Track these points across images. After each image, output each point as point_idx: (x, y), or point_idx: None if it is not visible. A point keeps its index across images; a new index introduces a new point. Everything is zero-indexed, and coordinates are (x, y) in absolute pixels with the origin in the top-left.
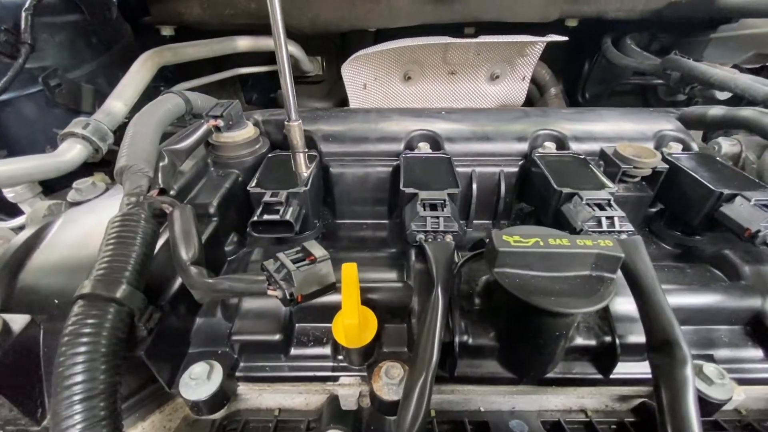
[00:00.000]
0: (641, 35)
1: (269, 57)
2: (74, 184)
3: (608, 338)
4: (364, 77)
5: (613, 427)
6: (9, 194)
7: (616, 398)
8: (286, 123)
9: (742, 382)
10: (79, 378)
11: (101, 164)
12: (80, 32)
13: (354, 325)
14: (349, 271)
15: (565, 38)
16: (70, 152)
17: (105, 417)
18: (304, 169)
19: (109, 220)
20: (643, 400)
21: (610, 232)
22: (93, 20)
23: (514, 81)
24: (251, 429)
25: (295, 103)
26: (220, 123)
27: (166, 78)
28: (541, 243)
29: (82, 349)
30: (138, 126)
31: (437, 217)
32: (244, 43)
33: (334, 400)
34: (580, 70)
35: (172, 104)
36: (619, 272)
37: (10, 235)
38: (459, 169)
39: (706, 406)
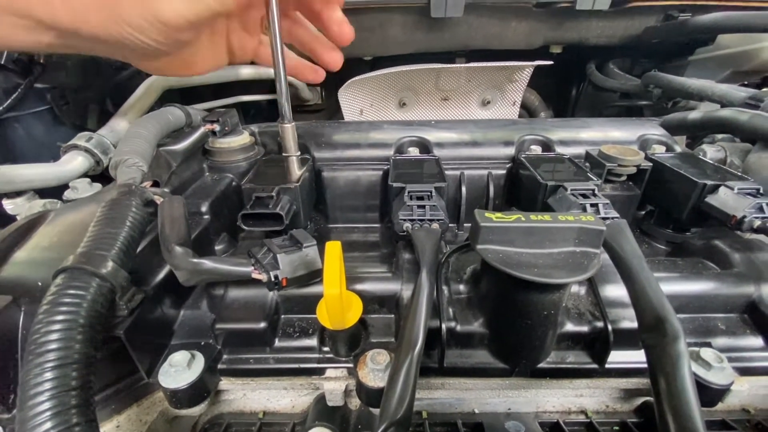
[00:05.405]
0: (623, 61)
1: (271, 86)
2: (71, 183)
3: (600, 324)
4: (360, 103)
5: (616, 428)
6: (8, 206)
7: (617, 397)
8: (279, 123)
9: (744, 372)
10: (53, 345)
11: (102, 182)
12: (91, 57)
13: (335, 296)
14: (333, 247)
15: (550, 62)
16: (72, 163)
17: (76, 387)
18: (297, 172)
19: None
20: (645, 399)
21: None
22: None
23: (504, 106)
24: None
25: (290, 105)
26: (216, 127)
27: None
28: (523, 219)
29: (60, 317)
30: (137, 127)
31: (423, 206)
32: (246, 72)
33: (320, 400)
34: (568, 96)
35: (172, 115)
36: (609, 259)
37: None
38: (448, 172)
39: (708, 393)
